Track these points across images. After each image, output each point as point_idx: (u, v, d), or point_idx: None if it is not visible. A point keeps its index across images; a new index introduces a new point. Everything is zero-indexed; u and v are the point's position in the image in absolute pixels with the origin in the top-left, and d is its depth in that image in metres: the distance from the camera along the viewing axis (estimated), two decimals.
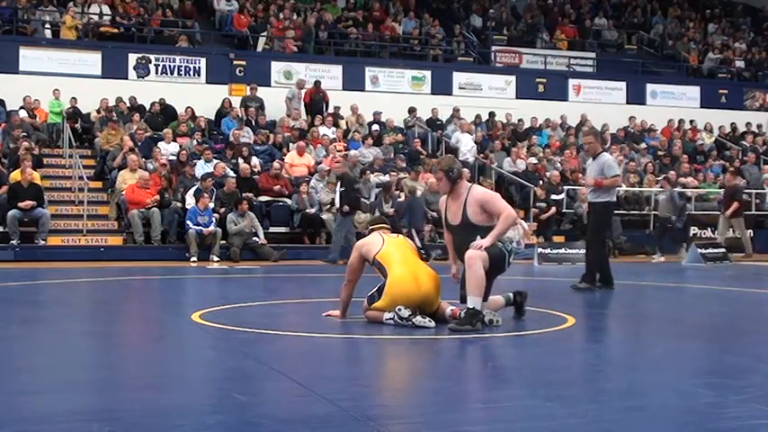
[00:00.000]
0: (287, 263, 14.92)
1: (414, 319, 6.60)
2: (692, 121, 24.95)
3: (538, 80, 24.51)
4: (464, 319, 6.50)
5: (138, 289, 11.29)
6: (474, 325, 6.45)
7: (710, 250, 16.55)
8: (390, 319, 6.67)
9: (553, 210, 17.94)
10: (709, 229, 19.27)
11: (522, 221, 16.95)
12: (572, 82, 24.82)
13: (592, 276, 10.27)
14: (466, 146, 19.94)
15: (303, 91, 21.17)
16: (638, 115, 24.32)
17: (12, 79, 19.61)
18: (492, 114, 22.65)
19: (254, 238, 15.49)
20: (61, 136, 18.83)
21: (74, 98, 19.29)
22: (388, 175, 18.20)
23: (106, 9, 22.17)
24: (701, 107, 25.83)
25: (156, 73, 21.05)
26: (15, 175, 15.54)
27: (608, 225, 10.64)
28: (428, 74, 23.44)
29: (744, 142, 24.32)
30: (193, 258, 14.84)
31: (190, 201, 15.68)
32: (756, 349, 6.33)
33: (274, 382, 4.85)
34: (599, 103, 24.51)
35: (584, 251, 15.60)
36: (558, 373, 5.17)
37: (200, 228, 15.05)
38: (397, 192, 17.16)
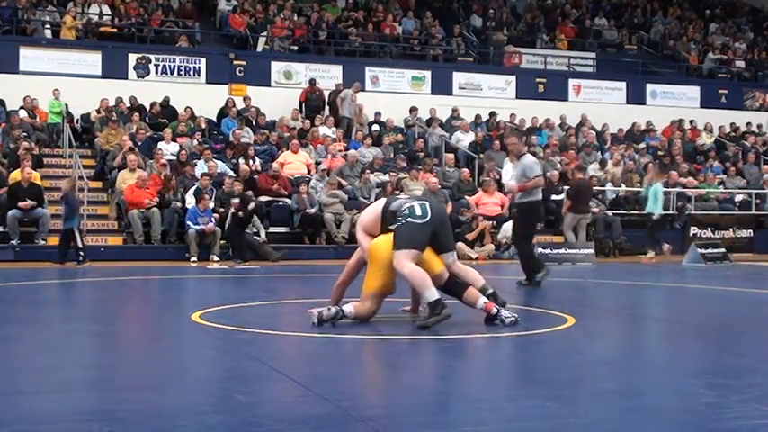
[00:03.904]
0: (287, 263, 14.92)
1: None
2: (691, 121, 24.95)
3: (538, 80, 24.51)
4: (429, 315, 6.56)
5: (138, 289, 11.29)
6: (440, 314, 6.49)
7: (710, 250, 16.55)
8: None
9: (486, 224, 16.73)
10: (709, 229, 19.27)
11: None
12: (572, 82, 24.82)
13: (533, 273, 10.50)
14: (506, 174, 19.12)
15: (357, 94, 21.23)
16: (638, 115, 24.31)
17: (12, 79, 19.61)
18: (492, 114, 22.65)
19: (255, 237, 15.48)
20: (61, 136, 18.82)
21: (65, 104, 19.23)
22: (388, 175, 18.20)
23: (106, 9, 22.17)
24: (701, 107, 25.83)
25: (156, 73, 21.05)
26: (15, 175, 15.54)
27: (534, 223, 10.75)
28: (428, 74, 23.44)
29: (744, 142, 24.31)
30: (193, 258, 14.85)
31: (190, 200, 15.69)
32: (756, 349, 6.33)
33: (274, 382, 4.85)
34: (599, 103, 24.52)
35: (583, 251, 15.80)
36: (558, 373, 5.17)
37: (201, 227, 15.06)
38: (397, 192, 17.16)
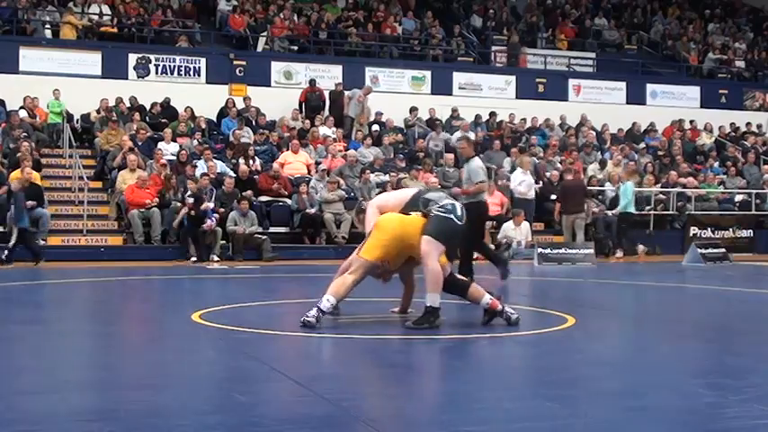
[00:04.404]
0: (287, 263, 14.93)
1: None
2: (692, 121, 24.94)
3: (538, 80, 24.50)
4: (422, 318, 6.55)
5: (138, 289, 11.29)
6: (432, 323, 6.50)
7: (710, 250, 16.54)
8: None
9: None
10: (709, 229, 19.27)
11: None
12: (572, 82, 24.80)
13: (498, 264, 10.90)
14: (515, 180, 18.06)
15: (368, 96, 21.28)
16: (638, 115, 24.29)
17: (12, 79, 19.58)
18: (492, 114, 22.64)
19: (257, 235, 15.48)
20: (61, 136, 18.82)
21: (64, 105, 19.25)
22: (388, 175, 18.20)
23: (106, 9, 22.16)
24: (701, 107, 25.80)
25: (156, 73, 21.03)
26: (15, 175, 15.52)
27: (480, 223, 11.00)
28: (428, 74, 23.43)
29: (744, 142, 24.31)
30: (193, 258, 14.84)
31: (190, 201, 15.67)
32: (756, 349, 6.33)
33: (274, 382, 4.85)
34: (599, 103, 24.49)
35: (583, 251, 15.79)
36: (558, 373, 5.17)
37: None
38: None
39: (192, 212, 14.95)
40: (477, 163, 10.63)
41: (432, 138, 20.71)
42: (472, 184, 10.37)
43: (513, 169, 19.34)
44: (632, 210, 17.12)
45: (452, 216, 6.68)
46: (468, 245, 10.86)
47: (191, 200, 15.06)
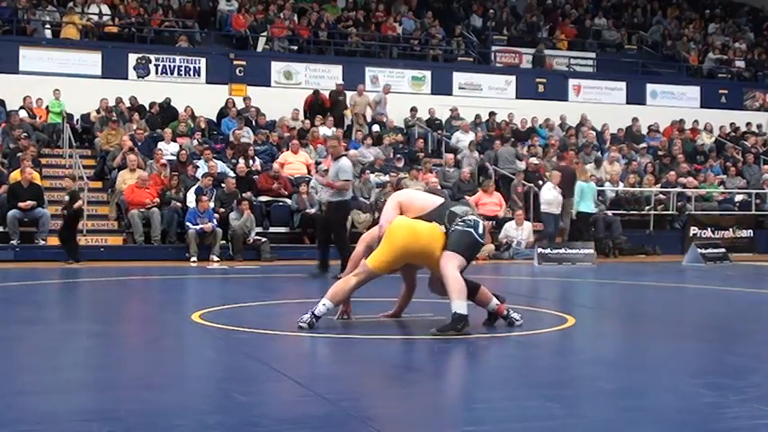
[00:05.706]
0: (287, 263, 14.93)
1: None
2: (694, 122, 24.93)
3: (538, 80, 24.51)
4: (449, 325, 6.42)
5: (138, 289, 11.29)
6: (459, 330, 6.38)
7: (710, 250, 16.54)
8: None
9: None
10: (709, 229, 19.27)
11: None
12: (572, 82, 24.80)
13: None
14: (548, 193, 17.01)
15: (387, 96, 21.52)
16: (638, 115, 24.30)
17: (12, 79, 19.60)
18: (492, 114, 22.65)
19: (257, 237, 15.49)
20: (61, 136, 18.83)
21: (63, 106, 19.25)
22: (388, 176, 18.19)
23: (106, 9, 22.17)
24: (701, 107, 25.80)
25: (156, 73, 21.04)
26: (15, 175, 15.53)
27: (346, 220, 12.17)
28: (428, 74, 23.44)
29: (744, 142, 24.31)
30: (193, 258, 14.85)
31: (191, 199, 15.70)
32: (756, 349, 6.33)
33: (274, 382, 4.85)
34: (599, 103, 24.50)
35: (583, 251, 15.77)
36: (558, 373, 5.18)
37: (201, 226, 15.06)
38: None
39: (65, 212, 14.36)
40: (346, 162, 11.32)
41: (466, 156, 19.74)
42: (339, 180, 11.00)
43: (496, 159, 19.66)
44: (586, 210, 16.98)
45: (473, 231, 6.67)
46: (325, 235, 11.74)
47: (66, 198, 14.56)
